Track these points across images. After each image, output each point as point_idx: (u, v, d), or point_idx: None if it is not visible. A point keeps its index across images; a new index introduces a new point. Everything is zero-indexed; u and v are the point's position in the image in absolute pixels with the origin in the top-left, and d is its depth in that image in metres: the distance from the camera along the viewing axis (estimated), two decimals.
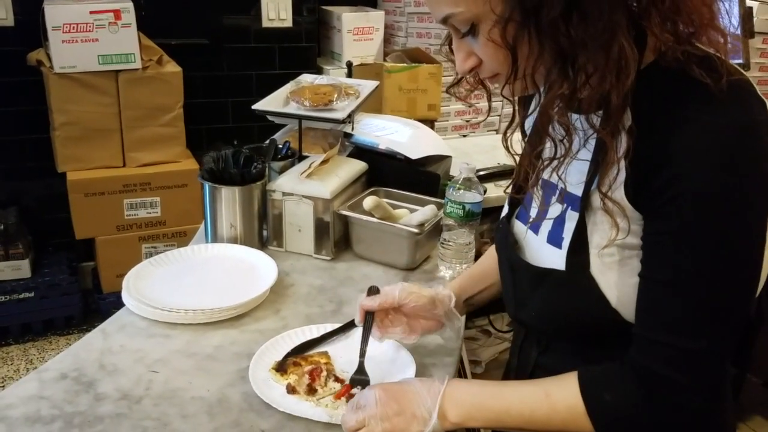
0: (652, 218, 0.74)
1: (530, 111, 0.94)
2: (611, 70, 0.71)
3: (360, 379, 0.98)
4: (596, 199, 0.78)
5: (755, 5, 2.36)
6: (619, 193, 0.75)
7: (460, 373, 1.71)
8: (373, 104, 2.17)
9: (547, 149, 0.80)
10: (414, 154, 1.61)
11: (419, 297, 1.01)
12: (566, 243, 0.83)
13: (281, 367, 1.01)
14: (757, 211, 0.72)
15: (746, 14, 2.10)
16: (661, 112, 0.72)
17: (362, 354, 1.00)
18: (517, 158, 0.90)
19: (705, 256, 0.71)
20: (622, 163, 0.74)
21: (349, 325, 1.13)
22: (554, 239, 0.86)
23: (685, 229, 0.71)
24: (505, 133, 0.89)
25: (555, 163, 0.79)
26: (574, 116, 0.79)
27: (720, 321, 0.73)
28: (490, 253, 1.12)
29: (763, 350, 2.55)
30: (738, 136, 0.68)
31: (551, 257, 0.85)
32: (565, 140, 0.77)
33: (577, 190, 0.81)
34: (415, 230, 1.37)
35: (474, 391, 0.86)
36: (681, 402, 0.75)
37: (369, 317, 1.00)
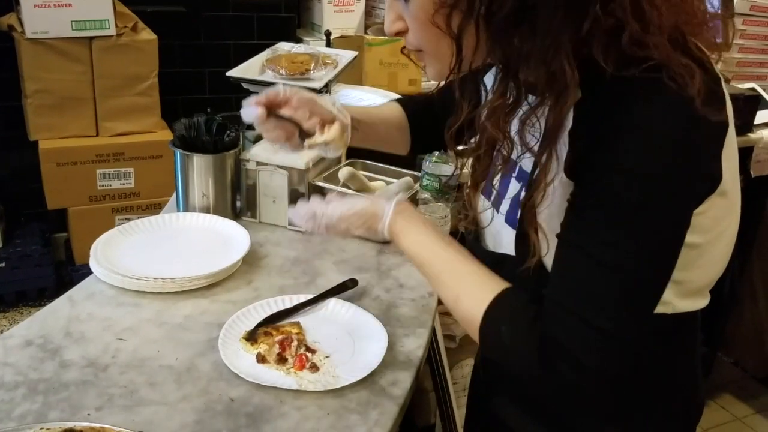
0: (584, 186, 0.72)
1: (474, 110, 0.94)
2: (551, 89, 0.70)
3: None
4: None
5: None
6: (562, 178, 0.74)
7: (433, 347, 1.71)
8: (353, 78, 2.15)
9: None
10: None
11: (301, 91, 1.02)
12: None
13: (252, 337, 1.00)
14: (682, 202, 0.72)
15: None
16: (604, 109, 0.70)
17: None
18: (456, 159, 0.93)
19: (633, 235, 0.70)
20: (565, 138, 0.73)
21: (323, 296, 1.12)
22: (511, 220, 0.85)
23: (618, 206, 0.70)
24: (449, 128, 0.89)
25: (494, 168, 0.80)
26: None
27: (634, 303, 0.72)
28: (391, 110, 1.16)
29: (734, 330, 2.59)
30: (682, 128, 0.68)
31: (508, 238, 0.84)
32: (502, 149, 0.77)
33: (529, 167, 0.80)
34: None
35: (423, 225, 0.90)
36: (573, 379, 0.74)
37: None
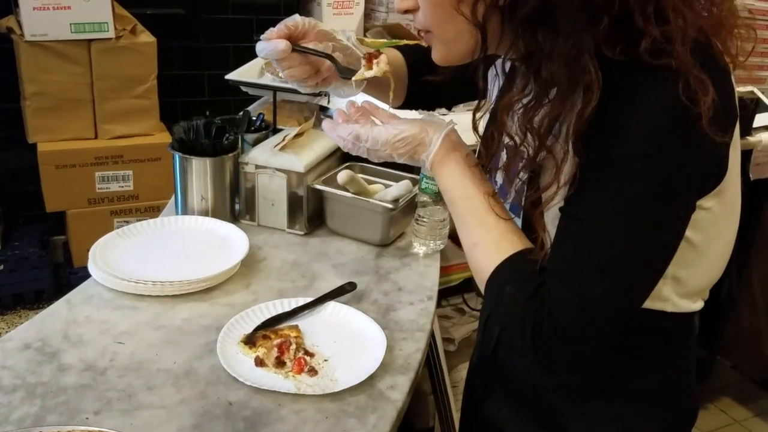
0: (586, 163, 0.72)
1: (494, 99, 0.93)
2: (573, 89, 0.69)
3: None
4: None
5: None
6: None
7: (432, 350, 1.71)
8: None
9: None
10: None
11: (319, 23, 0.97)
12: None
13: (250, 340, 1.00)
14: (683, 187, 0.72)
15: None
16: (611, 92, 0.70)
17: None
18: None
19: (630, 210, 0.70)
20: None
21: (321, 300, 1.12)
22: (516, 209, 0.85)
23: (617, 183, 0.70)
24: (474, 116, 0.89)
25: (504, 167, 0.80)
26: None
27: (621, 275, 0.72)
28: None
29: (733, 333, 2.59)
30: (679, 115, 0.68)
31: None
32: (521, 146, 0.77)
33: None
34: (390, 206, 1.35)
35: (465, 163, 0.87)
36: (553, 345, 0.74)
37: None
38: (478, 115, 0.89)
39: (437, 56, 0.83)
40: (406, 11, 0.81)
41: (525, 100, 0.74)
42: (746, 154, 2.05)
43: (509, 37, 0.74)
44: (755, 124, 2.06)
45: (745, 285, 2.49)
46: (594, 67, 0.68)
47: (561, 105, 0.71)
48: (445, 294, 2.03)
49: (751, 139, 2.05)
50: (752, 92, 2.09)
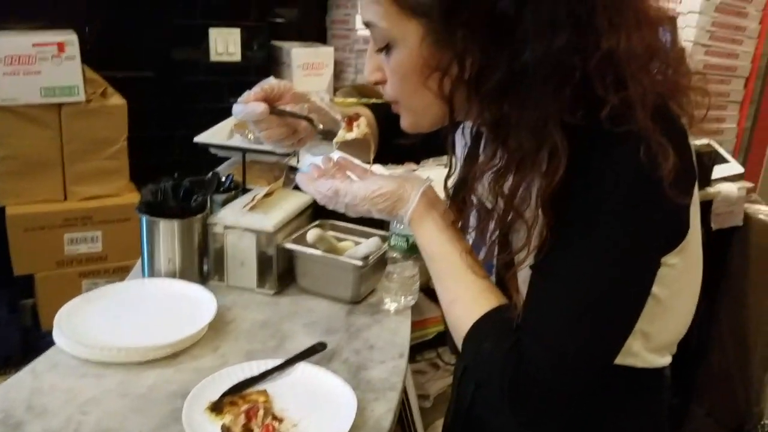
0: (556, 221, 0.74)
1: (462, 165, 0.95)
2: (540, 158, 0.72)
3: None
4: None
5: (689, 45, 2.47)
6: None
7: (405, 408, 1.70)
8: None
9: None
10: None
11: (293, 85, 0.98)
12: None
13: (217, 407, 0.98)
14: (649, 246, 0.74)
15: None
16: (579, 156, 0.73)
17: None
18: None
19: (596, 262, 0.73)
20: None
21: (291, 362, 1.11)
22: (489, 267, 0.87)
23: (586, 241, 0.72)
24: (445, 184, 0.91)
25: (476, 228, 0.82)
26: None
27: (595, 330, 0.74)
28: None
29: (705, 381, 2.60)
30: (644, 177, 0.70)
31: None
32: (493, 210, 0.79)
33: None
34: (360, 263, 1.36)
35: (442, 219, 0.88)
36: (531, 403, 0.75)
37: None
38: (449, 183, 0.91)
39: (406, 125, 0.85)
40: (376, 83, 0.84)
41: (494, 167, 0.76)
42: (707, 205, 2.11)
43: (476, 107, 0.76)
44: (714, 176, 2.13)
45: (714, 332, 2.52)
46: (559, 135, 0.70)
47: (530, 172, 0.73)
48: (419, 348, 2.02)
49: (710, 190, 2.12)
50: (709, 145, 2.16)
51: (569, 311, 0.73)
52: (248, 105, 0.93)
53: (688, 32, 2.46)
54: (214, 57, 2.81)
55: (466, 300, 0.82)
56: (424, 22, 0.74)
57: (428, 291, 1.28)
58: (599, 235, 0.71)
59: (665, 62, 0.77)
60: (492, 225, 0.80)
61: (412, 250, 1.48)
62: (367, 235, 1.51)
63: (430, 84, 0.76)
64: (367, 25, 0.79)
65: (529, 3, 0.68)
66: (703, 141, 2.20)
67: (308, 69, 2.81)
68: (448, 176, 0.92)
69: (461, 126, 0.93)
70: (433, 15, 0.72)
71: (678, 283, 0.80)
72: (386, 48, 0.79)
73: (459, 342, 0.82)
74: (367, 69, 0.84)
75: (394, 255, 1.50)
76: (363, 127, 0.97)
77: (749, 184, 2.33)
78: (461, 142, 0.96)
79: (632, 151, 0.69)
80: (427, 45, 0.74)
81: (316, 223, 1.51)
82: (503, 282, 0.83)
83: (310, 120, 0.96)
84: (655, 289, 0.77)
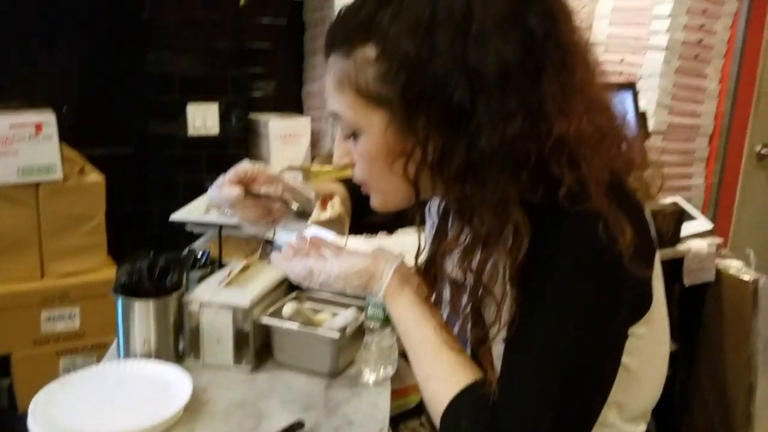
0: (523, 296, 0.77)
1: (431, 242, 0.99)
2: (503, 236, 0.75)
3: None
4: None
5: (651, 107, 2.56)
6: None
7: None
8: None
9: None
10: None
11: (266, 167, 1.01)
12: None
13: None
14: (614, 317, 0.77)
15: (641, 118, 2.28)
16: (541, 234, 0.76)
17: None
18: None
19: (566, 336, 0.75)
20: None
21: None
22: (463, 340, 0.88)
23: (551, 318, 0.75)
24: (416, 261, 0.94)
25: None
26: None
27: (569, 405, 0.75)
28: None
29: None
30: (602, 250, 0.73)
31: None
32: (463, 285, 0.81)
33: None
34: (337, 335, 1.36)
35: (415, 295, 0.89)
36: None
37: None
38: (419, 261, 0.94)
39: (376, 204, 0.89)
40: (345, 166, 0.88)
41: (461, 245, 0.80)
42: (678, 262, 2.15)
43: (441, 188, 0.80)
44: (683, 233, 2.18)
45: (695, 388, 2.52)
46: (521, 214, 0.74)
47: (495, 248, 0.77)
48: (402, 417, 1.99)
49: (680, 247, 2.16)
50: (676, 204, 2.21)
51: (542, 386, 0.74)
52: (223, 190, 0.97)
53: (650, 95, 2.55)
54: (191, 131, 2.85)
55: (441, 376, 0.83)
56: (387, 111, 0.78)
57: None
58: (565, 310, 0.74)
59: (618, 140, 0.81)
60: (464, 300, 0.83)
61: (389, 320, 1.49)
62: (344, 306, 1.51)
63: (395, 168, 0.80)
64: (334, 115, 0.83)
65: (482, 95, 0.72)
66: (671, 199, 2.25)
67: (285, 139, 2.86)
68: (417, 254, 0.94)
69: (428, 205, 0.97)
70: (395, 105, 0.76)
71: (647, 353, 0.82)
72: (353, 135, 0.83)
73: (435, 418, 0.82)
74: (336, 154, 0.88)
75: (371, 325, 1.50)
76: (337, 207, 1.01)
77: (719, 240, 2.39)
78: (429, 220, 0.99)
79: (591, 229, 0.72)
80: (391, 132, 0.78)
81: (293, 295, 1.51)
82: (477, 357, 0.85)
83: (284, 201, 1.00)
84: (625, 359, 0.79)
